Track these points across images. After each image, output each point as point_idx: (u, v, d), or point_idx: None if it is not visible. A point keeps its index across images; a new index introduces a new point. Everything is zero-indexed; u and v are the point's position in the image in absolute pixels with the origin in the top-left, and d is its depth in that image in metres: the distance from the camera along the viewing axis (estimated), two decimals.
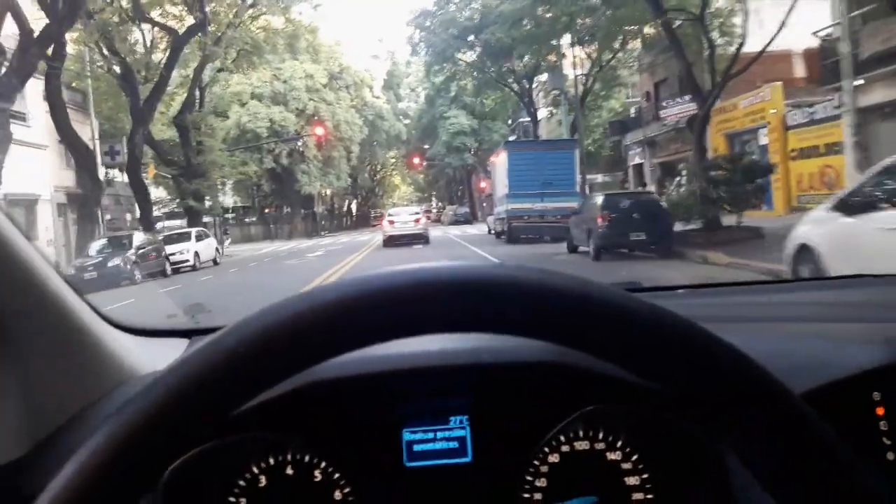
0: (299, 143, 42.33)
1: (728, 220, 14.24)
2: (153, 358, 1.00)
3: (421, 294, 0.44)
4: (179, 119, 28.30)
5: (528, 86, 29.07)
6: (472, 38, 27.23)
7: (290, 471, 0.83)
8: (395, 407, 0.86)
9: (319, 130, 31.27)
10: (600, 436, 0.85)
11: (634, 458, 0.84)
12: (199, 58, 28.56)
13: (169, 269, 19.07)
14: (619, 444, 0.85)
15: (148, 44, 26.55)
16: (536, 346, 0.51)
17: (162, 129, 29.82)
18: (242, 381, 0.45)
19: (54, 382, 0.82)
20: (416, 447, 0.85)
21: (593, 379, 0.81)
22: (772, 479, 0.45)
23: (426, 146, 56.06)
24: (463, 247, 22.09)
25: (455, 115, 50.62)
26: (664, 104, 25.02)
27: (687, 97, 24.65)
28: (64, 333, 0.84)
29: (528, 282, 0.44)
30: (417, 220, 27.31)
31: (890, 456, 0.80)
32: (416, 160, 52.61)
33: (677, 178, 17.75)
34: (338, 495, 0.83)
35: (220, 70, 32.18)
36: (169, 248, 20.44)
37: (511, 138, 31.80)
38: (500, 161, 22.04)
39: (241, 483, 0.83)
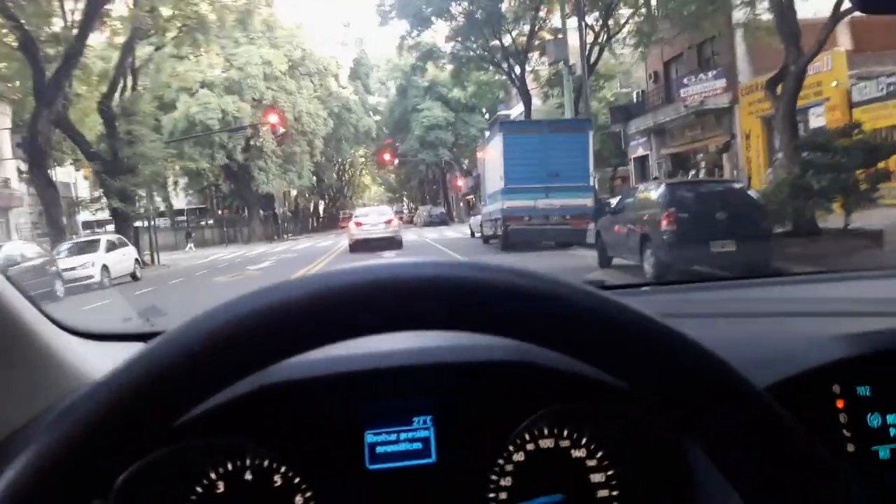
0: (250, 133, 37.29)
1: (830, 219, 9.92)
2: (106, 363, 0.91)
3: (377, 292, 0.43)
4: (103, 104, 23.32)
5: (519, 64, 24.52)
6: (452, 4, 22.68)
7: (248, 476, 0.80)
8: (357, 408, 0.83)
9: (273, 118, 26.59)
10: (565, 433, 0.84)
11: (599, 455, 0.83)
12: (127, 31, 23.68)
13: (61, 289, 14.24)
14: (584, 441, 0.84)
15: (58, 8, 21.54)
16: (500, 345, 0.50)
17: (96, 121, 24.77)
18: (193, 383, 0.43)
19: (2, 391, 0.77)
20: (379, 449, 0.83)
21: (558, 377, 0.79)
22: (738, 474, 0.45)
23: (398, 144, 51.51)
24: (444, 254, 17.62)
25: (429, 106, 46.09)
26: (684, 81, 20.76)
27: (712, 73, 20.46)
28: (8, 338, 0.80)
29: (493, 281, 0.44)
30: (389, 222, 22.99)
31: (850, 448, 0.80)
32: (387, 157, 47.89)
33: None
34: (299, 500, 0.81)
35: (157, 48, 27.09)
36: (69, 262, 15.62)
37: (507, 112, 26.91)
38: (491, 147, 17.42)
39: (199, 489, 0.80)
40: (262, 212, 51.15)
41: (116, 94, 24.48)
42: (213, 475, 0.80)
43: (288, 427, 0.81)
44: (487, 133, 50.47)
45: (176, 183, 45.11)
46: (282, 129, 39.92)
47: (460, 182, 47.06)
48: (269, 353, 0.44)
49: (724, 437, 0.44)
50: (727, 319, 1.13)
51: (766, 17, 14.03)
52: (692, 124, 22.21)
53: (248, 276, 15.13)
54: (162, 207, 47.98)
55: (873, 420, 0.82)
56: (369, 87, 48.11)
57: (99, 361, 0.95)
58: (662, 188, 9.22)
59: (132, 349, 1.03)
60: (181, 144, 39.44)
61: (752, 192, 9.78)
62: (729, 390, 0.44)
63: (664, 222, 8.40)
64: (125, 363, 0.44)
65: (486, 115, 49.69)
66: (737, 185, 10.45)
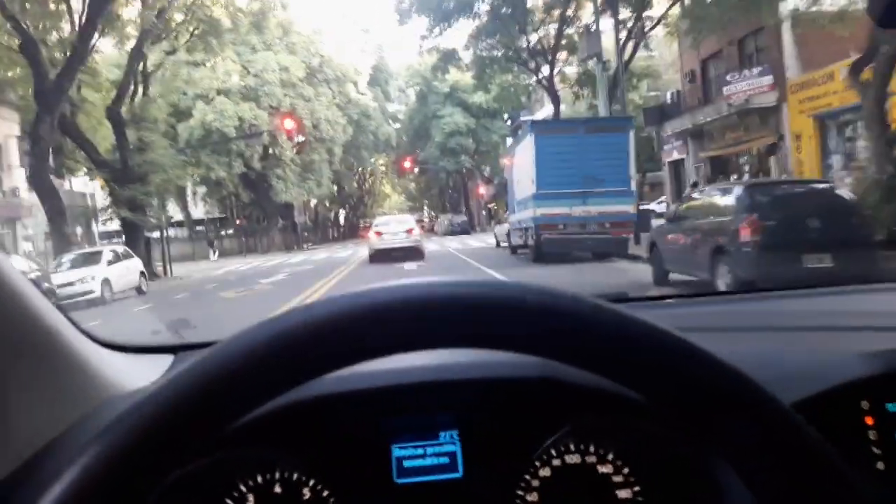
0: (267, 141, 36.24)
1: None
2: (139, 375, 0.97)
3: (414, 311, 0.44)
4: (112, 110, 22.30)
5: (547, 63, 23.08)
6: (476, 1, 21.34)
7: (278, 489, 0.81)
8: (385, 422, 0.83)
9: (289, 123, 25.33)
10: (591, 449, 0.83)
11: (626, 471, 0.83)
12: (136, 35, 22.68)
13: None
14: (610, 457, 0.83)
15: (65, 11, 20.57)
16: (527, 361, 0.51)
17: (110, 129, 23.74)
18: (236, 398, 0.44)
19: (37, 402, 0.79)
20: (406, 463, 0.83)
21: (584, 392, 0.79)
22: (760, 486, 0.45)
23: (418, 151, 50.31)
24: (470, 266, 16.24)
25: (450, 113, 44.84)
26: (727, 78, 19.20)
27: (757, 69, 18.90)
28: (46, 351, 0.81)
29: (510, 298, 0.44)
30: (410, 231, 21.70)
31: (879, 465, 0.79)
32: (408, 164, 46.67)
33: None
34: None
35: (169, 52, 26.10)
36: (67, 276, 14.45)
37: (529, 118, 25.45)
38: (521, 150, 15.95)
39: (229, 501, 0.81)
40: (281, 221, 50.20)
41: (127, 101, 23.56)
42: (242, 487, 0.80)
43: (316, 441, 0.81)
44: (511, 140, 49.07)
45: (195, 192, 44.52)
46: (300, 137, 38.89)
47: (482, 190, 45.69)
48: (313, 368, 0.45)
49: (748, 453, 0.44)
50: (753, 332, 1.10)
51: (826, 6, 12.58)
52: (734, 125, 20.61)
53: (256, 292, 13.86)
54: (180, 217, 47.47)
55: None
56: (389, 94, 46.99)
57: (130, 373, 0.95)
58: (740, 190, 7.65)
59: (161, 361, 1.06)
60: (198, 153, 38.59)
61: (843, 193, 8.16)
62: (751, 405, 0.44)
63: (744, 231, 6.90)
64: (171, 378, 0.45)
65: (508, 121, 48.35)
66: (827, 186, 8.81)
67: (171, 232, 51.44)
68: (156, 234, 42.66)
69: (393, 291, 0.45)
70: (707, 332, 1.03)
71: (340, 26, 42.84)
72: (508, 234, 20.39)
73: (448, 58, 24.76)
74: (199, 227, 52.87)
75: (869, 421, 0.80)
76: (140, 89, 24.98)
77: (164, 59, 26.01)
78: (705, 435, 0.45)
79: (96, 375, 0.89)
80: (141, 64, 24.50)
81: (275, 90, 37.83)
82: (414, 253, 20.87)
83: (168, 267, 25.02)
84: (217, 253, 39.87)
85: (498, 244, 24.42)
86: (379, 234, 22.30)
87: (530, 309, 0.44)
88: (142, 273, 17.63)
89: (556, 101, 23.08)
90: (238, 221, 43.67)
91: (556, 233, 14.27)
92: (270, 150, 39.32)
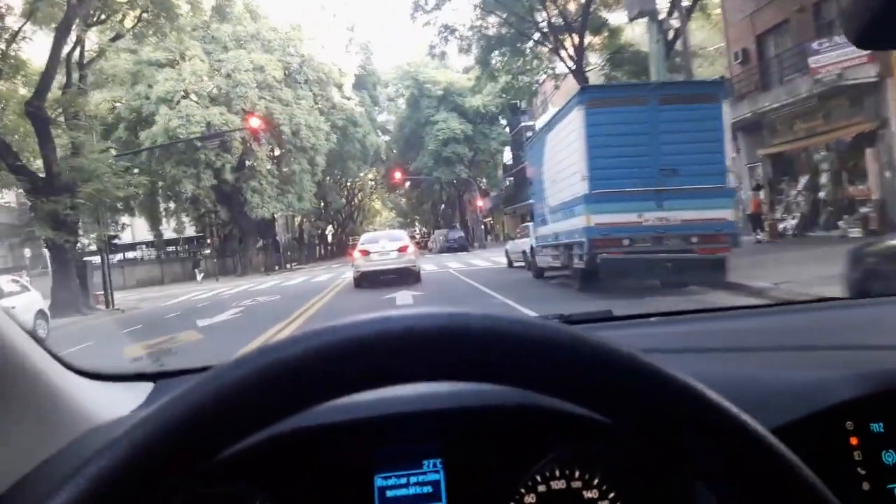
0: (237, 146, 31.61)
1: None
2: (118, 404, 0.94)
3: (400, 343, 0.43)
4: (33, 104, 17.60)
5: (575, 33, 18.50)
6: None
7: None
8: (367, 453, 0.83)
9: (255, 122, 20.73)
10: (576, 474, 0.83)
11: (611, 495, 0.82)
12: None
13: None
14: (596, 481, 0.82)
15: None
16: (505, 389, 0.47)
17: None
18: (226, 428, 0.43)
19: (13, 434, 0.75)
20: (389, 493, 0.81)
21: (567, 419, 0.78)
22: None
23: (409, 163, 45.83)
24: (486, 297, 11.64)
25: (444, 118, 40.45)
26: (814, 47, 14.73)
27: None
28: (21, 381, 0.77)
29: (468, 328, 0.43)
30: (403, 250, 17.36)
31: (865, 486, 0.79)
32: (398, 175, 42.10)
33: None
34: None
35: (113, 38, 21.51)
36: None
37: (531, 123, 20.76)
38: (563, 133, 11.04)
39: None
40: (260, 239, 45.47)
41: (61, 96, 18.98)
42: None
43: (297, 474, 0.80)
44: (510, 150, 44.65)
45: (167, 210, 39.60)
46: (275, 147, 34.30)
47: (480, 202, 41.19)
48: (311, 398, 0.44)
49: (715, 474, 0.44)
50: (735, 353, 1.08)
51: None
52: (810, 112, 16.16)
53: (180, 342, 9.17)
54: (147, 237, 42.70)
55: (888, 457, 0.80)
56: (377, 99, 42.53)
57: (109, 403, 0.92)
58: None
59: (141, 389, 1.01)
60: (162, 163, 33.93)
61: None
62: (715, 426, 0.43)
63: None
64: (157, 407, 0.43)
65: (507, 128, 43.98)
66: None
67: (138, 253, 46.77)
68: (122, 256, 37.57)
69: (374, 323, 0.43)
70: (691, 353, 1.03)
71: (321, 22, 38.38)
72: (529, 253, 15.78)
73: (446, 32, 20.20)
74: (169, 248, 48.27)
75: (854, 441, 0.80)
76: (76, 82, 20.27)
77: (106, 46, 21.40)
78: (676, 459, 0.45)
79: (74, 405, 0.86)
80: (76, 51, 19.91)
81: (248, 92, 33.25)
82: (408, 276, 16.48)
83: (110, 297, 20.23)
84: (203, 274, 35.08)
85: (510, 264, 19.80)
86: (365, 253, 17.78)
87: (483, 337, 0.43)
88: (41, 312, 12.84)
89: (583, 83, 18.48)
90: (209, 241, 38.77)
91: (617, 251, 9.66)
92: (247, 161, 34.70)
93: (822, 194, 16.86)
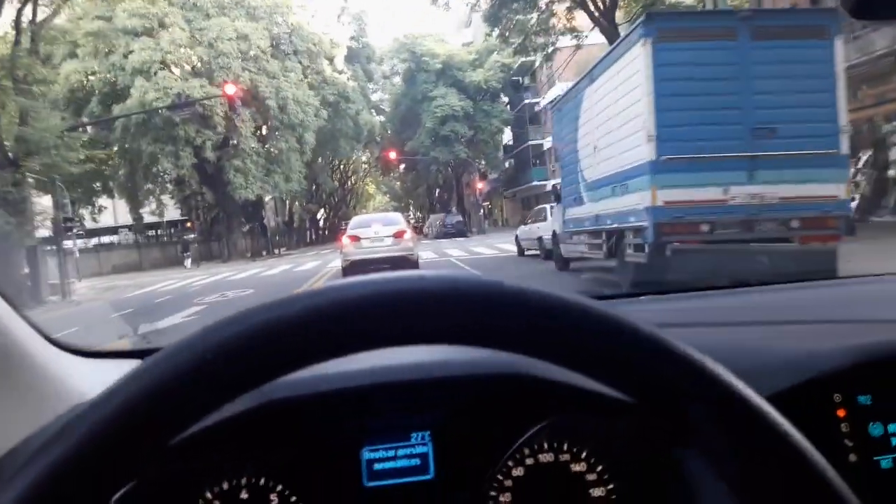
0: (210, 116, 28.83)
1: None
2: (101, 381, 0.85)
3: (377, 306, 0.42)
4: None
5: None
6: None
7: (244, 495, 0.78)
8: (354, 425, 0.81)
9: (231, 89, 18.00)
10: (564, 447, 0.82)
11: (599, 469, 0.82)
12: None
13: None
14: (584, 455, 0.82)
15: None
16: (497, 359, 0.50)
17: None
18: (187, 403, 0.43)
19: None
20: (377, 466, 0.80)
21: (556, 389, 0.77)
22: (735, 481, 0.44)
23: (405, 143, 43.08)
24: None
25: (443, 94, 37.63)
26: None
27: None
28: (7, 356, 0.78)
29: (473, 291, 0.43)
30: (399, 235, 14.91)
31: (852, 458, 0.79)
32: (393, 155, 39.36)
33: None
34: None
35: None
36: None
37: (537, 100, 17.90)
38: (613, 78, 8.33)
39: None
40: (246, 223, 42.74)
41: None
42: (208, 494, 0.77)
43: (284, 445, 0.78)
44: (508, 131, 41.78)
45: (149, 191, 36.70)
46: (260, 123, 31.50)
47: (480, 185, 38.54)
48: (273, 366, 0.43)
49: (722, 445, 0.43)
50: (724, 328, 1.08)
51: None
52: (881, 75, 13.53)
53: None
54: (124, 220, 39.93)
55: (875, 430, 0.80)
56: (371, 75, 39.64)
57: (94, 379, 0.91)
58: None
59: (127, 366, 0.96)
60: (138, 140, 31.11)
61: None
62: (723, 396, 0.43)
63: None
64: (120, 380, 0.43)
65: (508, 105, 41.23)
66: None
67: (114, 238, 43.93)
68: (97, 240, 34.76)
69: (366, 285, 0.43)
70: (684, 327, 1.03)
71: None
72: (551, 240, 13.21)
73: None
74: (150, 232, 45.46)
75: (841, 413, 0.80)
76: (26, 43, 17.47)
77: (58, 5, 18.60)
78: (680, 429, 0.45)
79: (61, 382, 0.85)
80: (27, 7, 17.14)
81: (231, 63, 30.37)
82: (405, 265, 13.87)
83: (66, 286, 17.58)
84: (191, 259, 32.36)
85: (521, 252, 17.22)
86: (355, 239, 15.20)
87: (500, 303, 0.43)
88: None
89: (613, 35, 15.64)
90: (189, 224, 36.01)
91: (693, 239, 7.09)
92: (230, 139, 31.90)
93: (892, 172, 14.30)
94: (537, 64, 30.41)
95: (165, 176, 36.43)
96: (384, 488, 0.79)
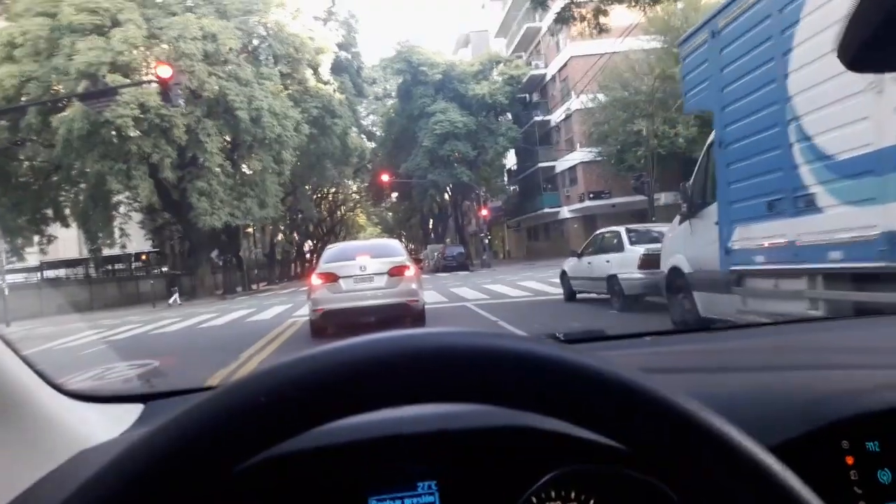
0: (157, 121, 23.42)
1: None
2: (108, 425, 0.92)
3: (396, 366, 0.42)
4: None
5: None
6: None
7: None
8: (361, 474, 0.80)
9: (165, 71, 12.58)
10: (572, 496, 0.80)
11: None
12: None
13: None
14: (592, 503, 0.80)
15: None
16: (503, 410, 0.47)
17: None
18: (233, 446, 0.42)
19: (1, 456, 0.74)
20: None
21: (562, 440, 0.76)
22: None
23: (401, 167, 37.81)
24: None
25: (442, 108, 32.41)
26: None
27: None
28: (8, 402, 0.76)
29: (459, 347, 0.42)
30: (398, 272, 9.92)
31: None
32: (386, 178, 33.93)
33: None
34: None
35: None
36: None
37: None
38: None
39: None
40: (218, 255, 37.07)
41: None
42: None
43: (293, 495, 0.78)
44: (511, 156, 36.15)
45: (104, 220, 30.91)
46: (222, 132, 26.09)
47: (485, 212, 33.18)
48: (318, 418, 0.43)
49: (718, 496, 0.42)
50: (724, 374, 1.04)
51: None
52: None
53: None
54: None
55: (884, 476, 0.78)
56: (361, 87, 34.48)
57: (99, 424, 0.90)
58: None
59: (132, 410, 1.00)
60: (82, 156, 25.59)
61: None
62: (718, 449, 0.42)
63: None
64: (165, 424, 0.42)
65: (513, 123, 36.02)
66: None
67: (60, 273, 37.97)
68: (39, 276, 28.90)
69: (393, 341, 0.42)
70: (684, 372, 1.01)
71: None
72: (668, 281, 7.67)
73: None
74: (117, 265, 39.59)
75: (850, 461, 0.79)
76: None
77: None
78: (680, 481, 0.44)
79: (65, 427, 0.83)
80: None
81: (195, 66, 25.04)
82: (405, 318, 9.30)
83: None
84: (177, 297, 26.63)
85: (571, 295, 11.73)
86: (331, 278, 9.76)
87: (495, 359, 0.42)
88: None
89: None
90: (143, 257, 30.33)
91: None
92: (195, 156, 26.43)
93: None
94: (530, 97, 25.27)
95: (123, 200, 31.03)
96: None
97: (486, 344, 0.42)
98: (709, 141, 6.67)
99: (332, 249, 10.84)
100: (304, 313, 11.41)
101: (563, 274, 11.99)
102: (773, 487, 0.41)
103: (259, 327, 11.90)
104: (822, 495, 0.42)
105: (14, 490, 0.72)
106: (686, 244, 6.81)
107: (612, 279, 9.83)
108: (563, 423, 0.43)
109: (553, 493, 0.80)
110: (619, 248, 9.97)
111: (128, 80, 24.15)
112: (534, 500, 0.79)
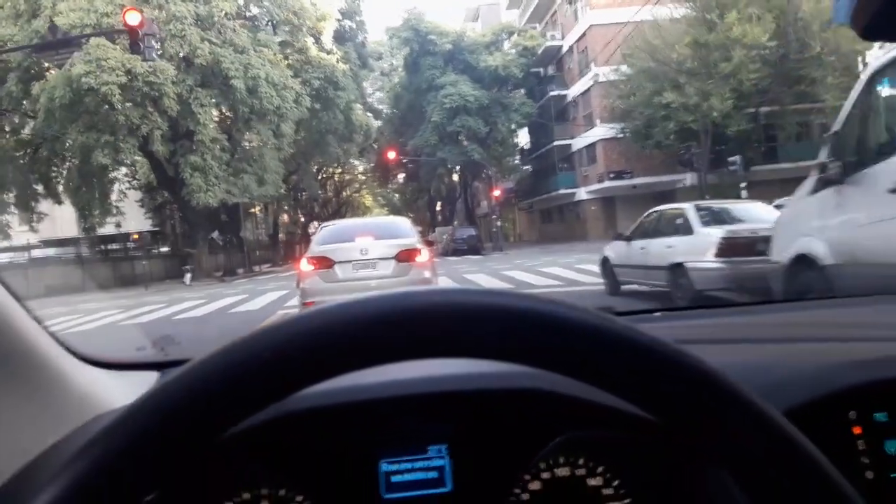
0: (146, 89, 21.35)
1: None
2: (123, 392, 0.93)
3: (406, 318, 0.43)
4: None
5: None
6: None
7: None
8: (372, 437, 0.80)
9: (134, 18, 10.45)
10: (581, 462, 0.81)
11: (616, 483, 0.80)
12: None
13: None
14: (600, 469, 0.81)
15: None
16: (514, 373, 0.50)
17: None
18: (223, 408, 0.43)
19: (20, 419, 0.75)
20: (395, 478, 0.79)
21: (573, 404, 0.76)
22: (761, 499, 0.44)
23: (408, 144, 35.57)
24: None
25: (452, 81, 30.13)
26: None
27: None
28: (29, 368, 0.77)
29: (504, 307, 0.43)
30: (407, 257, 7.61)
31: (868, 475, 0.78)
32: (392, 155, 31.73)
33: None
34: None
35: None
36: None
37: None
38: None
39: None
40: (218, 235, 35.03)
41: None
42: None
43: (303, 456, 0.78)
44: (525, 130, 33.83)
45: (94, 197, 28.89)
46: (217, 102, 23.96)
47: (497, 192, 31.00)
48: (304, 378, 0.43)
49: (739, 460, 0.44)
50: (740, 345, 1.05)
51: None
52: None
53: None
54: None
55: (891, 447, 0.79)
56: (366, 59, 32.19)
57: (115, 390, 0.92)
58: None
59: (147, 377, 1.00)
60: (66, 126, 23.53)
61: None
62: (744, 414, 0.43)
63: None
64: (155, 389, 0.43)
65: (528, 97, 33.64)
66: None
67: (48, 252, 36.06)
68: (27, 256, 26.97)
69: (398, 299, 0.43)
70: (695, 343, 0.98)
71: None
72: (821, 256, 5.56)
73: None
74: (112, 245, 37.62)
75: (857, 431, 0.79)
76: None
77: None
78: (703, 447, 0.45)
79: (81, 392, 0.85)
80: None
81: (186, 30, 22.85)
82: None
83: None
84: (191, 276, 24.76)
85: (614, 287, 9.64)
86: (324, 263, 7.53)
87: (543, 322, 0.43)
88: None
89: None
90: (135, 236, 28.33)
91: None
92: (189, 127, 24.31)
93: None
94: (545, 71, 23.09)
95: (119, 177, 29.03)
96: (402, 500, 0.78)
97: (527, 305, 0.42)
98: (872, 68, 4.47)
99: (328, 228, 8.76)
100: (297, 303, 9.40)
101: (605, 261, 9.88)
102: (788, 450, 0.42)
103: (241, 321, 9.91)
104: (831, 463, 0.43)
105: (30, 452, 0.73)
106: (825, 223, 4.68)
107: (675, 269, 7.74)
108: (574, 386, 0.43)
109: (561, 459, 0.79)
110: (686, 230, 7.87)
111: (112, 48, 22.00)
112: (543, 464, 0.79)
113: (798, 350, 0.98)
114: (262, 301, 13.00)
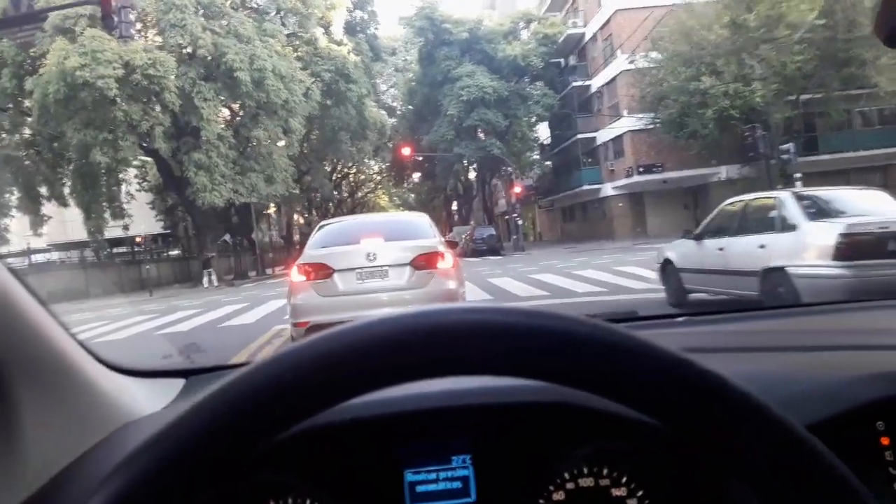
0: (146, 83, 19.86)
1: None
2: (151, 399, 0.93)
3: (439, 338, 0.44)
4: None
5: None
6: None
7: None
8: (397, 448, 0.80)
9: None
10: (605, 472, 0.80)
11: (639, 494, 0.79)
12: None
13: None
14: (624, 479, 0.80)
15: None
16: (536, 385, 0.49)
17: None
18: (268, 419, 0.44)
19: (51, 428, 0.75)
20: (419, 488, 0.79)
21: (595, 416, 0.76)
22: None
23: (422, 138, 33.87)
24: None
25: (469, 72, 28.34)
26: None
27: None
28: (58, 376, 0.77)
29: (509, 323, 0.44)
30: (426, 262, 5.63)
31: None
32: (407, 151, 30.02)
33: None
34: None
35: None
36: None
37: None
38: None
39: None
40: (229, 237, 33.55)
41: None
42: None
43: (329, 467, 0.78)
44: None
45: (93, 198, 27.43)
46: (221, 97, 22.36)
47: (518, 189, 29.18)
48: (348, 390, 0.44)
49: (758, 473, 0.43)
50: (760, 354, 1.03)
51: None
52: None
53: None
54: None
55: None
56: (378, 52, 30.54)
57: (142, 398, 0.92)
58: None
59: (174, 385, 1.02)
60: (61, 124, 22.12)
61: None
62: (759, 426, 0.43)
63: None
64: (200, 401, 0.44)
65: (548, 87, 31.72)
66: None
67: (51, 256, 34.74)
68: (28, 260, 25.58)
69: (426, 316, 0.44)
70: (719, 352, 1.00)
71: None
72: None
73: None
74: (118, 249, 36.29)
75: (885, 441, 0.77)
76: None
77: None
78: (722, 459, 0.45)
79: (109, 400, 0.85)
80: None
81: (187, 19, 21.33)
82: None
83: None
84: (212, 278, 23.41)
85: (682, 295, 7.79)
86: (323, 272, 5.60)
87: (550, 336, 0.44)
88: None
89: None
90: (138, 239, 26.89)
91: None
92: (192, 123, 22.76)
93: None
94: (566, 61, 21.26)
95: (125, 178, 27.60)
96: None
97: (540, 322, 0.43)
98: None
99: (327, 228, 7.04)
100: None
101: (667, 263, 8.07)
102: (807, 462, 0.42)
103: (232, 338, 8.26)
104: (856, 475, 0.42)
105: (62, 461, 0.73)
106: None
107: (772, 275, 5.93)
108: (596, 398, 0.43)
109: (585, 469, 0.79)
110: (786, 225, 6.04)
111: (108, 39, 20.49)
112: (566, 474, 0.79)
113: (820, 359, 0.95)
114: (261, 312, 11.33)
